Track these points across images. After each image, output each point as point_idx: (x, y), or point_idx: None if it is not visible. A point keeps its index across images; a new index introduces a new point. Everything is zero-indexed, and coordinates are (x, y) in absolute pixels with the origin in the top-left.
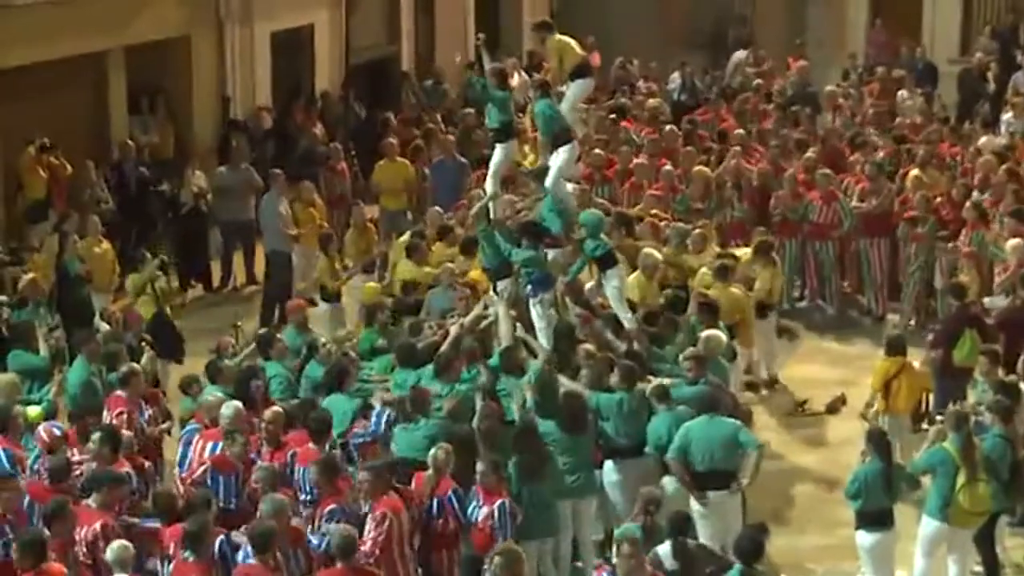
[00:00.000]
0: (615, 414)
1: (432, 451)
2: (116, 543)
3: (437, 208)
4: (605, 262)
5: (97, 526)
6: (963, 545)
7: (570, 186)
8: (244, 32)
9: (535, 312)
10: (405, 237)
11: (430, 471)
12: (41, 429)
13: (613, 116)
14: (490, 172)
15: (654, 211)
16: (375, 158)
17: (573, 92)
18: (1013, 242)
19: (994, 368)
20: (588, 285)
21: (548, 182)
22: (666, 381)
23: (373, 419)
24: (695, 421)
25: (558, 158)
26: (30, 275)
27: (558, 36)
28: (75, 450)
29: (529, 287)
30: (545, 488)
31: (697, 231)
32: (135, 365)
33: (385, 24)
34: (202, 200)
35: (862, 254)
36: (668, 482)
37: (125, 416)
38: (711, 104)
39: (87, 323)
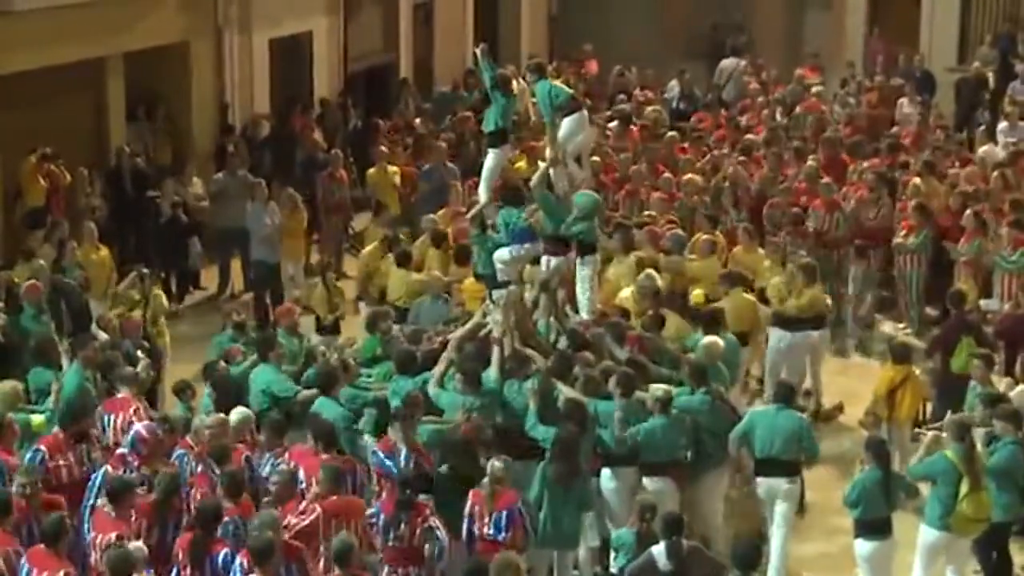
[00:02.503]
0: (612, 422)
1: (491, 463)
2: (132, 544)
3: (432, 216)
4: (585, 248)
5: (112, 536)
6: (961, 554)
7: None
8: (243, 39)
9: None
10: (374, 245)
11: (486, 483)
12: (142, 428)
13: (611, 124)
14: (483, 178)
15: (647, 213)
16: (371, 166)
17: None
18: None
19: (987, 372)
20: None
21: (549, 153)
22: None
23: (401, 457)
24: (762, 410)
25: (564, 127)
26: (30, 280)
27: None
28: (69, 455)
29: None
30: (571, 502)
31: (705, 237)
32: (132, 369)
33: (384, 31)
34: (179, 209)
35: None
36: (649, 483)
37: (142, 411)
38: (708, 109)
39: (85, 330)
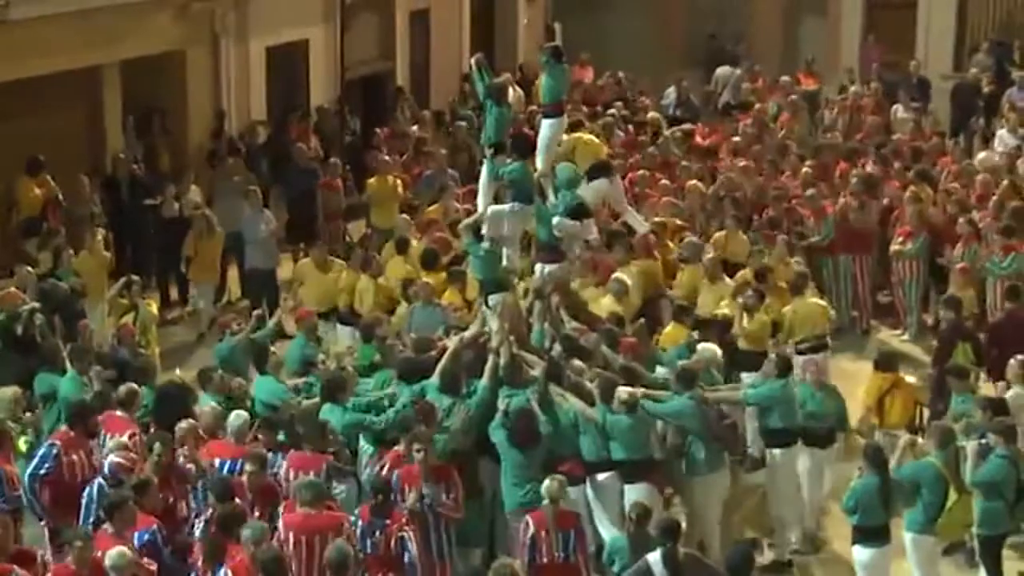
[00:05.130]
0: (591, 428)
1: (546, 483)
2: (114, 550)
3: (406, 217)
4: (577, 214)
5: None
6: (935, 555)
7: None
8: (239, 47)
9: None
10: (308, 259)
11: (547, 505)
12: (120, 459)
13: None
14: (480, 186)
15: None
16: (368, 173)
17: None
18: None
19: (965, 384)
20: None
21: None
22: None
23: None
24: (772, 384)
25: (547, 130)
26: (10, 288)
27: (576, 135)
28: (81, 452)
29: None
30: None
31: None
32: (134, 386)
33: (380, 40)
34: (183, 212)
35: (844, 269)
36: (630, 491)
37: (137, 439)
38: (707, 118)
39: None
